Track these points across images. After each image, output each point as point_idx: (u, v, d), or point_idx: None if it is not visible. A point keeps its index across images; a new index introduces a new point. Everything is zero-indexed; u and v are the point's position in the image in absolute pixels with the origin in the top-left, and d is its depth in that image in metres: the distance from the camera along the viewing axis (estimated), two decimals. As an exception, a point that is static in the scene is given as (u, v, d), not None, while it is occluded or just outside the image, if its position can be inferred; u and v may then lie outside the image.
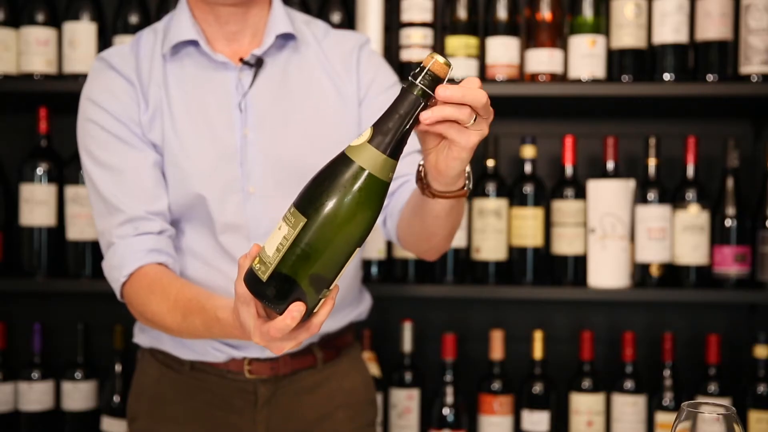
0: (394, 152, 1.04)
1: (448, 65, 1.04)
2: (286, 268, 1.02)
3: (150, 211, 1.47)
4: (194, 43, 1.53)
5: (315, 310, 1.07)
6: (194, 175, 1.49)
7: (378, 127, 1.04)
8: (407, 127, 1.04)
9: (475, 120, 1.08)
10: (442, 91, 1.04)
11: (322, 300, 1.07)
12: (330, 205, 1.01)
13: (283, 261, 1.02)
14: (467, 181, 1.26)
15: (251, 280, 1.05)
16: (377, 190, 1.03)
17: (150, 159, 1.50)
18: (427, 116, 1.05)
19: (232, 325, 1.22)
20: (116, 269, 1.45)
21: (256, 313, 1.10)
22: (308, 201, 1.02)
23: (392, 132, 1.03)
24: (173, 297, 1.38)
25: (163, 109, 1.51)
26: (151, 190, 1.48)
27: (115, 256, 1.45)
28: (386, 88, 1.59)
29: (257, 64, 1.52)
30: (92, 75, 1.55)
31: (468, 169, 1.24)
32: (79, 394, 2.28)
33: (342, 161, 1.03)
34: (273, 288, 1.03)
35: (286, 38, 1.56)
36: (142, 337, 1.63)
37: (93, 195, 1.51)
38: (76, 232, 2.19)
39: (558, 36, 2.15)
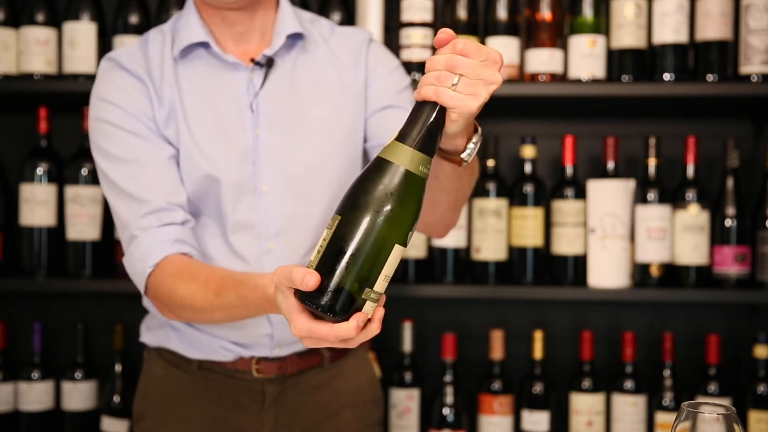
0: (419, 144, 1.05)
1: None
2: (326, 266, 1.03)
3: (172, 202, 1.46)
4: (204, 44, 1.54)
5: (370, 317, 1.06)
6: (208, 175, 1.49)
7: (404, 124, 1.07)
8: (427, 115, 1.07)
9: (458, 81, 1.06)
10: (426, 62, 1.09)
11: (372, 306, 1.05)
12: (359, 198, 1.03)
13: (322, 260, 1.03)
14: (467, 154, 1.20)
15: (298, 291, 1.05)
16: (405, 182, 1.04)
17: (167, 153, 1.49)
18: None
19: (272, 298, 1.20)
20: (140, 261, 1.43)
21: (299, 307, 1.07)
22: (342, 201, 1.05)
23: (414, 124, 1.07)
24: (204, 278, 1.36)
25: (176, 109, 1.51)
26: (170, 181, 1.48)
27: (138, 248, 1.44)
28: (390, 70, 1.60)
29: (268, 64, 1.53)
30: (101, 75, 1.54)
31: (474, 141, 1.20)
32: (79, 394, 2.28)
33: (373, 160, 1.06)
34: (317, 291, 1.03)
35: (294, 37, 1.57)
36: (149, 336, 1.63)
37: (111, 193, 1.49)
38: (76, 232, 2.19)
39: (558, 36, 2.15)
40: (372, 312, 1.05)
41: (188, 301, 1.38)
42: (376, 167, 1.05)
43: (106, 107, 1.50)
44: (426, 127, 1.07)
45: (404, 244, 1.05)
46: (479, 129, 1.21)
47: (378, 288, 1.04)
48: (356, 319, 1.03)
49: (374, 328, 1.07)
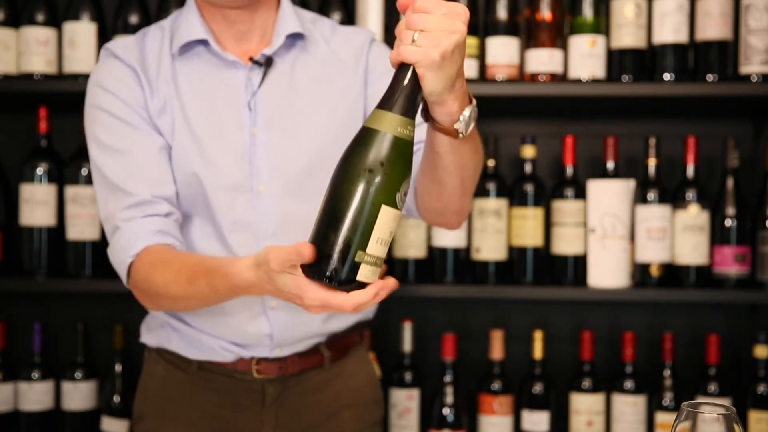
0: (393, 104, 1.08)
1: None
2: (319, 236, 1.07)
3: (156, 195, 1.46)
4: (204, 42, 1.54)
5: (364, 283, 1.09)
6: (204, 173, 1.50)
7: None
8: (397, 77, 1.10)
9: (418, 37, 1.09)
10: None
11: (371, 269, 1.07)
12: (341, 165, 1.08)
13: (315, 231, 1.07)
14: (461, 124, 1.22)
15: (304, 267, 1.09)
16: (381, 142, 1.06)
17: (157, 144, 1.50)
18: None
19: (246, 281, 1.24)
20: (123, 250, 1.44)
21: (306, 280, 1.11)
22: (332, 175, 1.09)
23: (389, 89, 1.10)
24: (177, 266, 1.37)
25: (173, 105, 1.51)
26: (158, 174, 1.48)
27: (122, 238, 1.44)
28: (390, 69, 1.59)
29: (267, 63, 1.53)
30: (99, 64, 1.57)
31: (466, 113, 1.21)
32: (79, 394, 2.28)
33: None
34: (319, 262, 1.07)
35: (294, 37, 1.57)
36: (149, 337, 1.63)
37: (99, 181, 1.50)
38: (76, 232, 2.19)
39: (558, 36, 2.15)
40: (372, 275, 1.08)
41: (164, 290, 1.39)
42: (357, 135, 1.09)
43: (100, 93, 1.51)
44: (398, 88, 1.09)
45: (394, 206, 1.07)
46: (474, 100, 1.22)
47: (372, 251, 1.06)
48: (375, 287, 1.08)
49: (382, 295, 1.11)
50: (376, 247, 1.06)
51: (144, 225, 1.44)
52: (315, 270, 1.07)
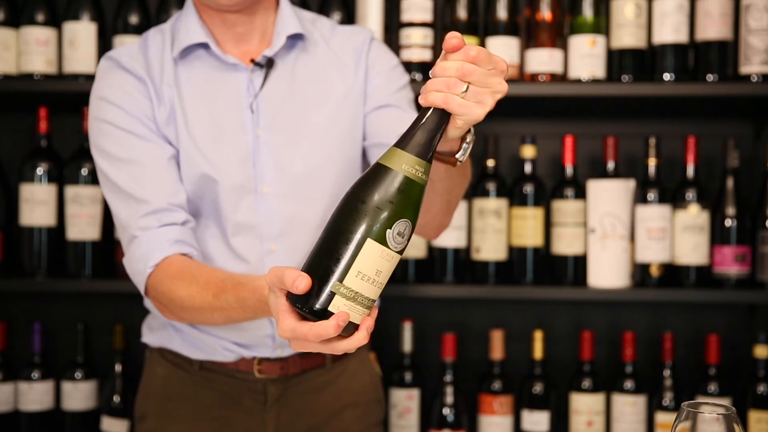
0: (412, 146, 1.05)
1: None
2: (308, 260, 1.04)
3: (172, 203, 1.46)
4: (204, 45, 1.54)
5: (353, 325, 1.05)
6: (208, 176, 1.49)
7: (407, 129, 1.08)
8: (430, 121, 1.07)
9: (467, 90, 1.06)
10: (434, 68, 1.09)
11: (346, 303, 1.03)
12: (342, 199, 1.05)
13: (309, 261, 1.04)
14: (461, 153, 1.21)
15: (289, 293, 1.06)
16: (379, 176, 1.04)
17: (167, 153, 1.49)
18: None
19: (267, 297, 1.18)
20: (141, 261, 1.42)
21: (288, 307, 1.07)
22: None
23: (412, 126, 1.07)
24: (204, 279, 1.36)
25: (176, 109, 1.51)
26: (171, 182, 1.47)
27: (139, 248, 1.43)
28: (390, 68, 1.60)
29: (268, 64, 1.53)
30: (101, 74, 1.54)
31: (468, 141, 1.20)
32: (79, 394, 2.28)
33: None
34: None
35: (294, 38, 1.57)
36: (151, 337, 1.63)
37: (111, 193, 1.49)
38: (76, 232, 2.19)
39: (558, 36, 2.15)
40: (349, 311, 1.03)
41: (188, 302, 1.37)
42: (367, 170, 1.07)
43: (106, 107, 1.50)
44: (423, 130, 1.07)
45: (383, 243, 1.03)
46: (472, 129, 1.21)
47: (350, 284, 1.02)
48: (336, 319, 1.01)
49: (360, 338, 1.05)
50: (355, 281, 1.02)
51: (161, 234, 1.43)
52: (293, 294, 1.04)
